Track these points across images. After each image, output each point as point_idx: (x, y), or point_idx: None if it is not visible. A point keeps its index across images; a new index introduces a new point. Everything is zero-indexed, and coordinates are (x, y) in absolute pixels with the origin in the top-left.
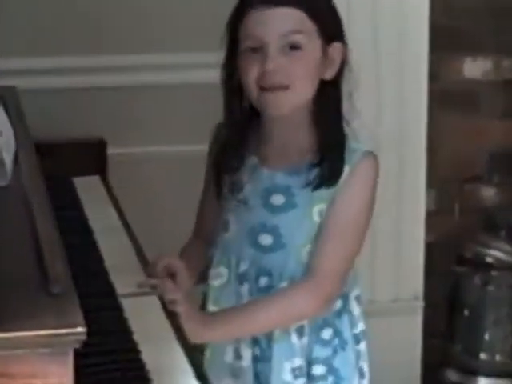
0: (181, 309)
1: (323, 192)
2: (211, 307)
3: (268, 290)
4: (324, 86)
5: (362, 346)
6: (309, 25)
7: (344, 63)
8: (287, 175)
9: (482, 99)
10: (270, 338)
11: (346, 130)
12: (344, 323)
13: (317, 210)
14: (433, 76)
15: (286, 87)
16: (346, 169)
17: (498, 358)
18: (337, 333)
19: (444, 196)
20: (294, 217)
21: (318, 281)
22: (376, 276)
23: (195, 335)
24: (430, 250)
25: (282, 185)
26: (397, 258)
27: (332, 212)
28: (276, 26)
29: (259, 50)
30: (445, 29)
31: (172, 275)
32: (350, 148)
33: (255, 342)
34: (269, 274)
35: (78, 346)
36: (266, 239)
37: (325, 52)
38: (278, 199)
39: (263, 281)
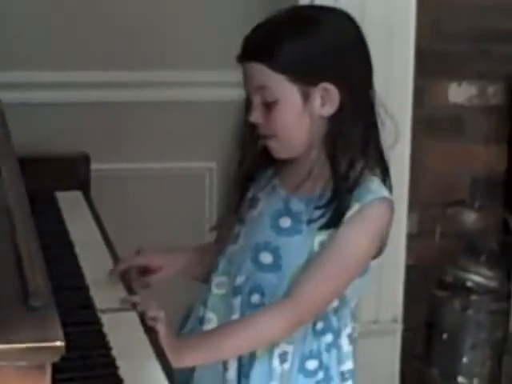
0: (160, 328)
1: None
2: (209, 314)
3: (258, 307)
4: (330, 121)
5: None
6: (275, 76)
7: (347, 99)
8: (300, 201)
9: (466, 124)
10: (252, 354)
11: (370, 170)
12: (332, 358)
13: (318, 240)
14: (418, 100)
15: (273, 136)
16: (356, 206)
17: (475, 382)
18: (322, 366)
19: (426, 219)
20: (297, 242)
21: (293, 305)
22: (359, 305)
23: (176, 361)
24: (411, 272)
25: (294, 210)
26: (377, 280)
27: (331, 246)
28: (249, 81)
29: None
30: (430, 53)
31: (145, 271)
32: (369, 188)
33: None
34: (261, 292)
35: (56, 359)
36: (266, 258)
37: (307, 95)
38: (285, 222)
39: (255, 297)
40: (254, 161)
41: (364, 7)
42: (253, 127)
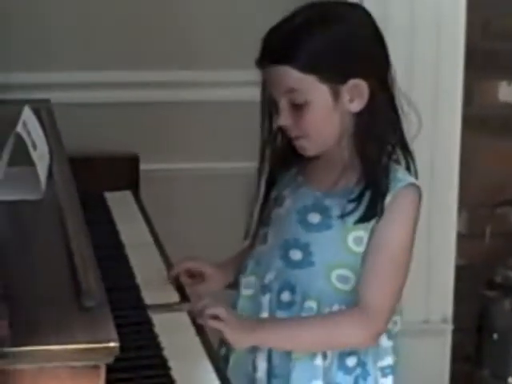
0: (225, 316)
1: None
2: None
3: (289, 305)
4: (359, 117)
5: (388, 380)
6: (305, 78)
7: (376, 93)
8: (328, 196)
9: None
10: (288, 355)
11: (398, 159)
12: (368, 354)
13: (353, 236)
14: (467, 99)
15: (303, 136)
16: (388, 197)
17: None
18: (360, 362)
19: (475, 220)
20: (327, 238)
21: (371, 315)
22: (406, 297)
23: (239, 340)
24: (460, 273)
25: (322, 205)
26: (427, 280)
27: (378, 243)
28: (276, 85)
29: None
30: (480, 52)
31: (193, 276)
32: (396, 177)
33: (271, 355)
34: (292, 290)
35: (110, 360)
36: (296, 255)
37: (337, 93)
38: (314, 218)
39: (285, 295)
40: (275, 163)
41: (413, 6)
42: (271, 130)
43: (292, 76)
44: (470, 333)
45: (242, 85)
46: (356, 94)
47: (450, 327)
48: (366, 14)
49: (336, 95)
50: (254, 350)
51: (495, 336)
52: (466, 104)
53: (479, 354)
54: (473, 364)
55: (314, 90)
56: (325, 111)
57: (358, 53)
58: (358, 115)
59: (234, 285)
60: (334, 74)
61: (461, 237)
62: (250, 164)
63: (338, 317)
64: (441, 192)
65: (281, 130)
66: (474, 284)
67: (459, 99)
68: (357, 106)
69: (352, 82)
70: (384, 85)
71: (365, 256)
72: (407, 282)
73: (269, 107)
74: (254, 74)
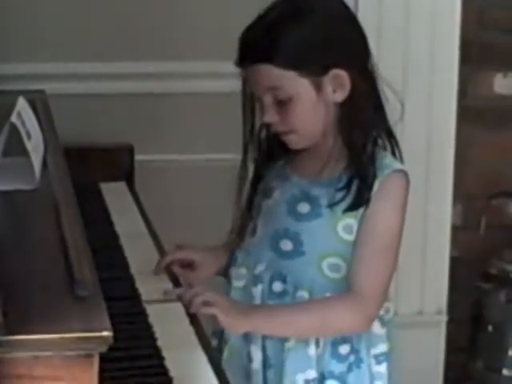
0: (218, 301)
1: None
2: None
3: (281, 295)
4: (343, 106)
5: (382, 367)
6: (285, 74)
7: (357, 81)
8: (317, 185)
9: (510, 115)
10: (281, 345)
11: (384, 145)
12: (361, 341)
13: (343, 224)
14: (462, 91)
15: (289, 131)
16: (376, 184)
17: None
18: (353, 350)
19: (470, 211)
20: (317, 227)
21: (364, 300)
22: (400, 289)
23: (234, 324)
24: (455, 265)
25: (311, 194)
26: (422, 272)
27: (366, 229)
28: (258, 83)
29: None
30: (475, 44)
31: (187, 266)
32: (383, 164)
33: (265, 346)
34: (283, 280)
35: (103, 349)
36: (286, 245)
37: (318, 85)
38: (303, 207)
39: (277, 286)
40: (261, 157)
41: None
42: (253, 127)
43: (272, 74)
44: (464, 324)
45: (236, 76)
46: (338, 84)
47: (444, 319)
48: (340, 3)
49: (318, 87)
50: (248, 340)
51: (490, 328)
52: (461, 96)
53: (474, 345)
54: (467, 356)
55: (296, 85)
56: (309, 105)
57: (336, 43)
58: (342, 105)
59: (226, 270)
60: (314, 66)
61: (455, 228)
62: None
63: (331, 302)
64: (436, 184)
65: (266, 125)
66: (469, 276)
67: (454, 91)
68: (340, 95)
69: (332, 72)
70: (365, 72)
71: (355, 243)
72: (402, 273)
73: (251, 104)
74: None
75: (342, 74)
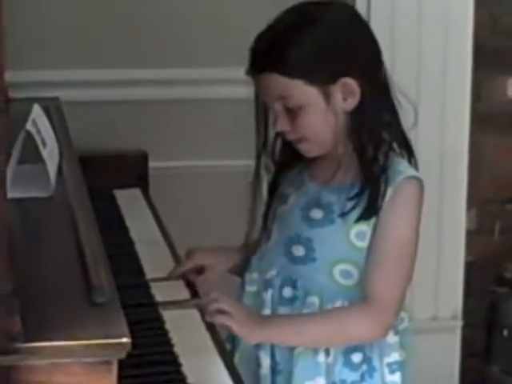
0: (231, 310)
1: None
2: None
3: (291, 301)
4: (353, 114)
5: (396, 376)
6: (293, 83)
7: (367, 90)
8: (331, 192)
9: None
10: (291, 351)
11: (397, 152)
12: (374, 350)
13: (355, 231)
14: (475, 96)
15: (301, 139)
16: (389, 191)
17: None
18: (366, 358)
19: (484, 216)
20: (330, 233)
21: (379, 308)
22: (415, 294)
23: (248, 333)
24: (470, 269)
25: (323, 200)
26: (437, 277)
27: (380, 236)
28: (267, 92)
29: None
30: (488, 48)
31: (198, 271)
32: (396, 170)
33: (274, 352)
34: (293, 285)
35: (122, 356)
36: (298, 250)
37: (327, 93)
38: (316, 213)
39: (287, 291)
40: (277, 165)
41: (421, 4)
42: (266, 135)
43: (280, 83)
44: (479, 329)
45: (249, 82)
46: (347, 92)
47: (459, 323)
48: (351, 12)
49: (327, 96)
50: (257, 346)
51: (505, 332)
52: (474, 101)
53: (489, 350)
54: (483, 360)
55: (304, 93)
56: (319, 113)
57: (344, 52)
58: (352, 113)
59: (241, 268)
60: (321, 75)
61: (470, 233)
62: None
63: (346, 311)
64: (450, 188)
65: (279, 133)
66: (484, 280)
67: (468, 96)
68: (350, 104)
69: (342, 81)
70: (376, 80)
71: (369, 250)
72: (417, 278)
73: (264, 112)
74: None
75: (351, 83)
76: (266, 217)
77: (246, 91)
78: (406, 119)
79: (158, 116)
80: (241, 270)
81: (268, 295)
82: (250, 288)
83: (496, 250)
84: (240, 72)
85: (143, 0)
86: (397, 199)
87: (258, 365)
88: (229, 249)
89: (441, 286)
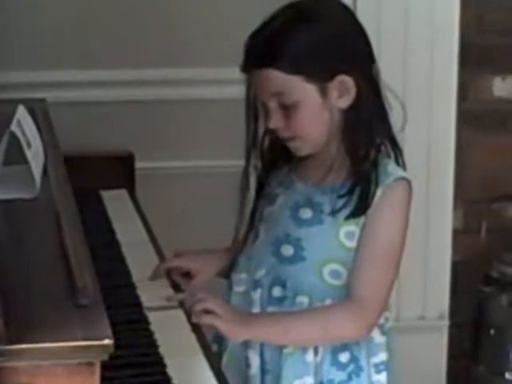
0: (218, 309)
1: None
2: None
3: (280, 301)
4: (347, 112)
5: (382, 376)
6: (291, 78)
7: (363, 88)
8: (319, 192)
9: (511, 119)
10: (279, 351)
11: (387, 152)
12: (361, 350)
13: (344, 230)
14: (462, 95)
15: (294, 137)
16: (379, 191)
17: None
18: (353, 358)
19: (471, 215)
20: (319, 233)
21: (362, 307)
22: (402, 293)
23: (234, 333)
24: (457, 269)
25: (313, 200)
26: (423, 276)
27: (368, 237)
28: (263, 88)
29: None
30: (474, 47)
31: (184, 274)
32: (386, 171)
33: (263, 352)
34: (283, 285)
35: (105, 357)
36: (287, 250)
37: (324, 91)
38: (305, 213)
39: (276, 291)
40: (265, 164)
41: (407, 2)
42: (255, 133)
43: (278, 78)
44: (466, 328)
45: (237, 82)
46: (343, 90)
47: (446, 323)
48: (345, 9)
49: (324, 93)
50: (246, 346)
51: (492, 331)
52: (460, 99)
53: (476, 349)
54: (470, 360)
55: (301, 90)
56: (314, 110)
57: (341, 49)
58: (346, 111)
59: (228, 271)
60: (319, 72)
61: (457, 232)
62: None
63: (331, 309)
64: (436, 188)
65: (269, 131)
66: (471, 279)
67: (454, 94)
68: (345, 102)
69: (338, 78)
70: (369, 79)
71: (356, 250)
72: (404, 277)
73: (254, 110)
74: None
75: (348, 81)
76: (252, 216)
77: (235, 91)
78: (395, 121)
79: (144, 117)
80: (228, 272)
81: (257, 295)
82: (238, 288)
83: (483, 249)
84: (228, 72)
85: (128, 0)
86: (385, 200)
87: (247, 365)
88: (215, 252)
89: (428, 285)
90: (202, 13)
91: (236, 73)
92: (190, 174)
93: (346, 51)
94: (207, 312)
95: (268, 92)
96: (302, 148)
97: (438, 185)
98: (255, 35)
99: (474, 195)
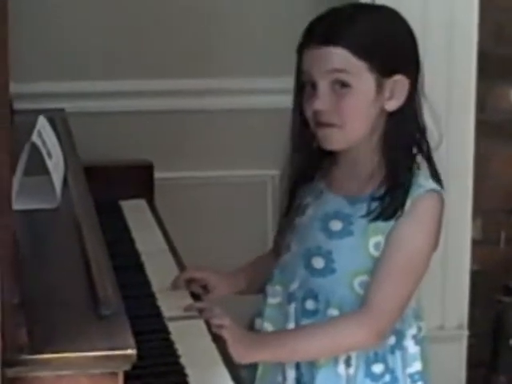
0: (228, 333)
1: (381, 224)
2: (266, 324)
3: (314, 313)
4: (391, 117)
5: None
6: (356, 63)
7: (412, 94)
8: (349, 203)
9: None
10: (312, 363)
11: (420, 164)
12: (396, 360)
13: (373, 241)
14: (480, 105)
15: (336, 125)
16: (408, 202)
17: None
18: (388, 369)
19: (490, 225)
20: (349, 244)
21: (374, 316)
22: (421, 303)
23: (243, 356)
24: (476, 278)
25: (343, 212)
26: (442, 286)
27: (391, 247)
28: (322, 65)
29: (314, 86)
30: (493, 57)
31: (202, 287)
32: (417, 183)
33: (299, 364)
34: (315, 298)
35: (128, 367)
36: (318, 262)
37: (380, 86)
38: (336, 225)
39: (309, 303)
40: (299, 166)
41: (426, 10)
42: (302, 129)
43: (344, 57)
44: (485, 338)
45: (252, 93)
46: (396, 91)
47: (465, 333)
48: (406, 22)
49: (380, 88)
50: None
51: (511, 342)
52: (479, 110)
53: (495, 359)
54: (489, 370)
55: (361, 76)
56: (365, 101)
57: (404, 50)
58: (391, 115)
59: (249, 292)
60: (382, 65)
61: (475, 243)
62: (265, 172)
63: (337, 320)
64: (455, 198)
65: (314, 113)
66: (490, 290)
67: (472, 105)
68: (394, 104)
69: (396, 77)
70: (419, 88)
71: (378, 258)
72: (423, 287)
73: (300, 98)
74: (265, 83)
75: (404, 82)
76: (283, 228)
77: (250, 102)
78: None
79: (163, 126)
80: (245, 293)
81: (292, 308)
82: (273, 300)
83: (502, 259)
84: (245, 83)
85: (148, 12)
86: (414, 212)
87: (284, 377)
88: (233, 273)
89: (447, 295)
90: (212, 25)
91: (251, 83)
92: (208, 183)
93: (408, 55)
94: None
95: (327, 68)
96: (335, 140)
97: (456, 195)
98: (324, 17)
99: (492, 205)
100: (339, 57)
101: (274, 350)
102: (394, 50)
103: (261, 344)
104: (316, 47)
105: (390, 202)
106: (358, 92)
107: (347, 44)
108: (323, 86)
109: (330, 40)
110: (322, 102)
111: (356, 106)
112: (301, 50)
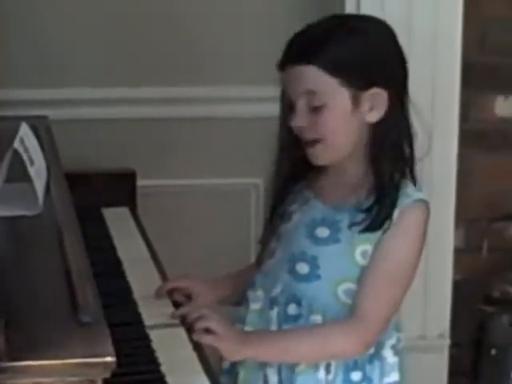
0: (217, 328)
1: (368, 233)
2: (247, 329)
3: (296, 318)
4: (375, 128)
5: None
6: (327, 80)
7: (395, 105)
8: (337, 210)
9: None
10: (293, 369)
11: (408, 175)
12: (374, 369)
13: (360, 250)
14: (464, 114)
15: (319, 140)
16: (396, 212)
17: None
18: (366, 378)
19: (472, 234)
20: (335, 251)
21: (363, 324)
22: (403, 312)
23: (232, 352)
24: (458, 288)
25: (330, 219)
26: (424, 295)
27: (378, 257)
28: (296, 84)
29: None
30: (476, 67)
31: (185, 296)
32: (405, 193)
33: (281, 370)
34: (298, 303)
35: (107, 375)
36: (302, 268)
37: (356, 99)
38: (322, 232)
39: (292, 308)
40: (286, 174)
41: (410, 20)
42: (288, 137)
43: (313, 76)
44: (467, 348)
45: (238, 101)
46: (376, 103)
47: (447, 342)
48: (389, 31)
49: (356, 101)
50: (264, 364)
51: (493, 351)
52: (462, 119)
53: (477, 369)
54: (471, 379)
55: (333, 93)
56: (342, 115)
57: (380, 63)
58: (374, 126)
59: (232, 300)
60: (357, 79)
61: (458, 251)
62: (248, 180)
63: (328, 326)
64: (438, 207)
65: (293, 141)
66: (472, 299)
67: (456, 114)
68: (374, 115)
69: (373, 90)
70: (401, 100)
71: (366, 267)
72: (404, 297)
73: (285, 114)
74: (252, 91)
75: (382, 94)
76: (268, 233)
77: (235, 110)
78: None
79: (146, 134)
80: (229, 301)
81: (274, 313)
82: (254, 305)
83: (484, 268)
84: (229, 91)
85: (134, 19)
86: (402, 222)
87: (265, 382)
88: (218, 280)
89: (428, 304)
90: (211, 30)
91: (234, 92)
92: (190, 191)
93: (384, 66)
94: (207, 331)
95: (300, 89)
96: (322, 155)
97: (439, 204)
98: (300, 34)
99: (475, 214)
100: (310, 77)
101: (265, 348)
102: (367, 66)
103: (253, 341)
104: (290, 66)
105: (378, 213)
106: (333, 107)
107: (318, 62)
108: (300, 104)
109: (301, 59)
110: (299, 119)
111: (333, 120)
112: (280, 68)
